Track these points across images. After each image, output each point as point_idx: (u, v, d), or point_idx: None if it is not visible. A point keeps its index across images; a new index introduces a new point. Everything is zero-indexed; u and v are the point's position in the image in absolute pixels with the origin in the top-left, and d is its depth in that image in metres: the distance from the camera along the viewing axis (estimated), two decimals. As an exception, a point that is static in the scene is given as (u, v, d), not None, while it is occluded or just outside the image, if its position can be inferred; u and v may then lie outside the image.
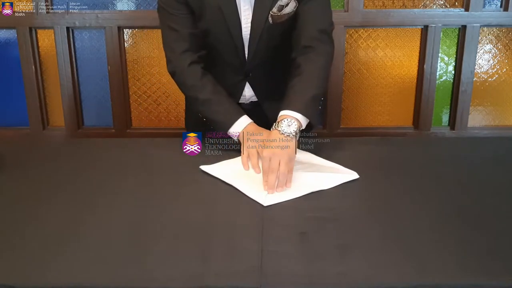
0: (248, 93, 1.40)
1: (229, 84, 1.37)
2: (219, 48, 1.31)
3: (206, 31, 1.28)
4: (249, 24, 1.26)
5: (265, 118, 1.43)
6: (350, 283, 0.74)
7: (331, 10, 1.30)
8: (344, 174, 1.10)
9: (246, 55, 1.31)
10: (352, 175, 1.10)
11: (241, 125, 1.21)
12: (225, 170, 1.12)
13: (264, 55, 1.32)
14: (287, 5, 1.22)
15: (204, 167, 1.13)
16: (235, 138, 1.22)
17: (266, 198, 0.99)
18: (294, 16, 1.26)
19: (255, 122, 1.42)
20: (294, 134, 1.10)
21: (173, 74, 1.30)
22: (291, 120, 1.11)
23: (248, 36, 1.27)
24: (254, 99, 1.42)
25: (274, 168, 1.04)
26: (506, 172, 1.14)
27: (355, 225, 0.90)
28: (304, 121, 1.13)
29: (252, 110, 1.43)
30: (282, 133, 1.10)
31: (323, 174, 1.10)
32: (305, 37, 1.24)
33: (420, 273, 0.75)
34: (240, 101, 1.41)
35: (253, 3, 1.23)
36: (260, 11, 1.24)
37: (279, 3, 1.22)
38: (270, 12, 1.23)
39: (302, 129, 1.14)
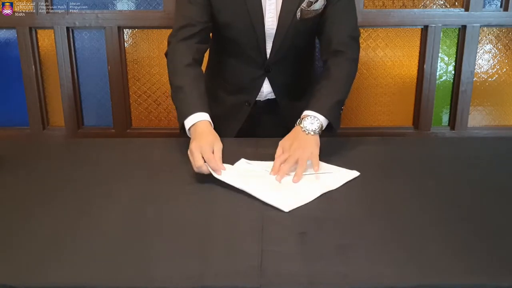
0: (266, 89, 1.40)
1: (248, 79, 1.38)
2: (240, 41, 1.32)
3: (228, 24, 1.29)
4: (273, 19, 1.27)
5: (280, 117, 1.44)
6: (350, 283, 0.74)
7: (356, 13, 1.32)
8: (346, 173, 1.11)
9: (269, 50, 1.32)
10: (353, 173, 1.11)
11: (194, 120, 1.16)
12: (232, 175, 1.08)
13: (287, 51, 1.33)
14: (316, 1, 1.24)
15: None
16: (188, 133, 1.18)
17: (286, 203, 0.97)
18: (321, 15, 1.28)
19: (269, 120, 1.43)
20: (314, 132, 1.14)
21: (166, 56, 1.31)
22: (313, 119, 1.16)
23: (272, 31, 1.29)
24: (271, 96, 1.42)
25: (291, 162, 1.09)
26: (506, 172, 1.14)
27: (355, 225, 0.90)
28: (325, 123, 1.18)
29: (267, 108, 1.43)
30: (304, 130, 1.14)
31: (329, 175, 1.10)
32: (336, 42, 1.27)
33: (420, 273, 0.75)
34: (257, 98, 1.41)
35: None
36: (288, 5, 1.25)
37: None
38: (301, 7, 1.24)
39: (322, 130, 1.18)
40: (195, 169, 1.08)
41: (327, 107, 1.19)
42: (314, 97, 1.21)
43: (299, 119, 1.18)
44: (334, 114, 1.20)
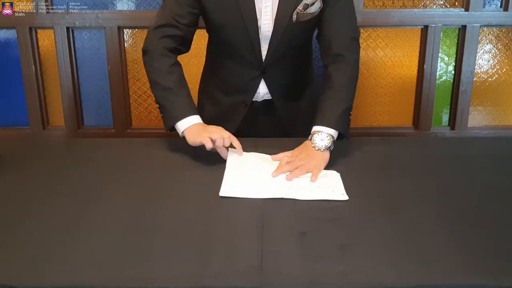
0: (262, 90, 1.40)
1: (244, 80, 1.38)
2: (235, 43, 1.32)
3: (221, 25, 1.29)
4: (269, 21, 1.27)
5: (277, 117, 1.44)
6: (350, 283, 0.74)
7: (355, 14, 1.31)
8: (332, 192, 1.02)
9: (266, 52, 1.32)
10: (341, 196, 1.01)
11: (191, 122, 1.20)
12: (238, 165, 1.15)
13: (283, 53, 1.33)
14: (312, 4, 1.24)
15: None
16: (180, 134, 1.21)
17: (228, 189, 1.03)
18: (318, 18, 1.28)
19: (266, 121, 1.42)
20: (326, 147, 1.14)
21: (144, 52, 1.31)
22: (323, 135, 1.15)
23: (268, 33, 1.28)
24: (268, 97, 1.42)
25: (293, 166, 1.10)
26: (506, 172, 1.14)
27: (355, 225, 0.90)
28: (336, 134, 1.18)
29: (264, 109, 1.43)
30: (314, 146, 1.14)
31: (315, 188, 1.05)
32: (336, 45, 1.26)
33: (420, 273, 0.76)
34: (253, 99, 1.41)
35: (277, 0, 1.24)
36: (285, 8, 1.25)
37: (304, 1, 1.23)
38: (297, 10, 1.23)
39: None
40: (208, 146, 1.14)
41: (334, 118, 1.18)
42: (320, 110, 1.20)
43: (310, 135, 1.17)
44: (343, 123, 1.19)
